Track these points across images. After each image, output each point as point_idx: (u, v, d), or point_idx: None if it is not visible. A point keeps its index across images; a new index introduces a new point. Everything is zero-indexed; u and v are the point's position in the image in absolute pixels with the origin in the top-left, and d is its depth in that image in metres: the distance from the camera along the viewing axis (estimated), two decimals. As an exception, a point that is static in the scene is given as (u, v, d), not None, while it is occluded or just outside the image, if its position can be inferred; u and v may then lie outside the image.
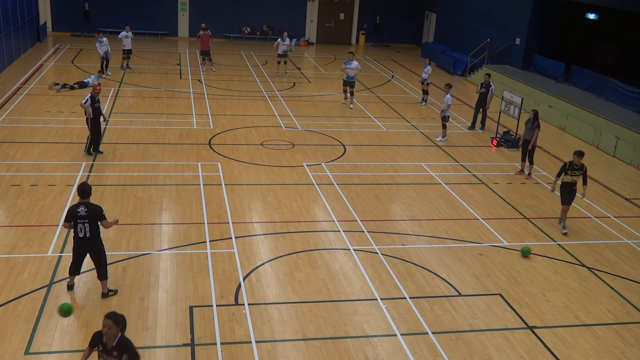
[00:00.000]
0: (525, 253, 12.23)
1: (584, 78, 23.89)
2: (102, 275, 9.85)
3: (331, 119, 20.89)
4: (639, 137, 18.46)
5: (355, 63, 21.97)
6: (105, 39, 24.66)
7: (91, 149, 16.03)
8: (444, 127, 19.34)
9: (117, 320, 6.60)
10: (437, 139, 19.31)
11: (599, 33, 26.59)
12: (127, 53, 25.91)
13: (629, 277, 11.74)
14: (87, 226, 9.51)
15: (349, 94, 22.43)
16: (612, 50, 26.25)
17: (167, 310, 9.66)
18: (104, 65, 24.92)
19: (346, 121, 20.83)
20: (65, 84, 22.32)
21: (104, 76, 24.62)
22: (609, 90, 22.32)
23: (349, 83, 22.18)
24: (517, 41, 27.33)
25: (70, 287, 10.04)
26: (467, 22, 31.87)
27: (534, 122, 16.28)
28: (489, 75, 20.75)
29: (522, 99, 18.88)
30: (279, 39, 26.58)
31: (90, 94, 15.75)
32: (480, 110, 20.70)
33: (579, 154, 13.24)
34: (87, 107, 15.59)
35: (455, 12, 33.18)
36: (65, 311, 8.57)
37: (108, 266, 10.70)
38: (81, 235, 9.58)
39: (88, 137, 16.06)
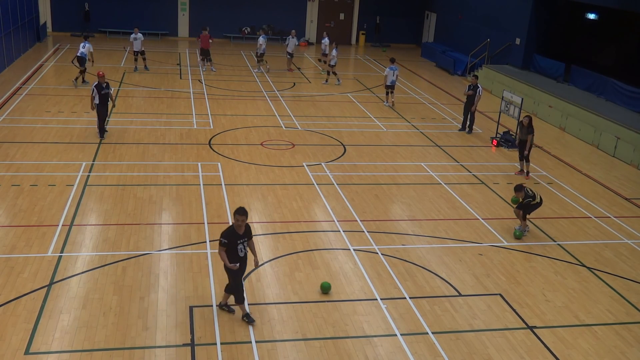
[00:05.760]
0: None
1: (584, 78, 23.88)
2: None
3: (331, 119, 20.89)
4: (639, 137, 18.46)
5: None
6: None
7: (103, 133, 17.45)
8: (387, 94, 23.05)
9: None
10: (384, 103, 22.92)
11: (599, 33, 26.59)
12: (137, 54, 26.07)
13: (629, 277, 11.74)
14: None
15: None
16: (612, 50, 26.25)
17: (167, 310, 9.66)
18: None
19: (346, 121, 20.84)
20: (77, 77, 22.88)
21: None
22: (609, 90, 22.31)
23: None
24: (517, 41, 27.33)
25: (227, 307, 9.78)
26: (467, 22, 31.86)
27: (528, 128, 16.26)
28: (476, 77, 20.52)
29: (522, 99, 18.88)
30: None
31: (96, 83, 17.06)
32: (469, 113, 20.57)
33: (516, 188, 13.01)
34: (94, 97, 16.96)
35: (455, 12, 33.17)
36: (325, 288, 10.32)
37: (109, 266, 10.77)
38: (241, 254, 9.24)
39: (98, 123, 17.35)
